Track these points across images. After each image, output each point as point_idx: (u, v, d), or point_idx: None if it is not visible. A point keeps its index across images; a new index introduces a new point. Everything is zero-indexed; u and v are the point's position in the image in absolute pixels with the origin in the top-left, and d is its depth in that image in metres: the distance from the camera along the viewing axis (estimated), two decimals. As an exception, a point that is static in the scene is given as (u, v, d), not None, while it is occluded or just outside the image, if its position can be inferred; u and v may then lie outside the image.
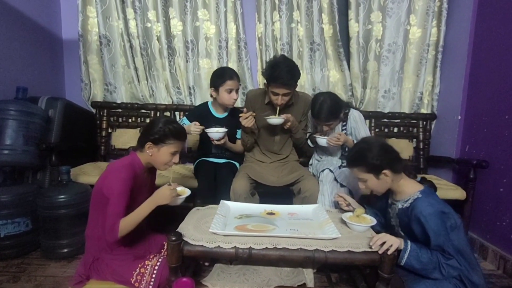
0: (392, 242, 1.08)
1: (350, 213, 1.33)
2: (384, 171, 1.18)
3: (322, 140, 1.77)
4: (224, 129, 1.76)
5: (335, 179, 1.73)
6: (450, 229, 1.11)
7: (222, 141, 1.78)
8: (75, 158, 1.98)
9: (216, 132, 1.73)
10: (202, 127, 1.74)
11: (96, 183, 1.23)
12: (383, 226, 1.40)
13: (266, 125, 1.81)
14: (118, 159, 1.31)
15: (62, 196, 1.64)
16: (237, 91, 1.84)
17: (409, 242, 1.12)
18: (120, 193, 1.14)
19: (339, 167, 1.90)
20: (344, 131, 1.88)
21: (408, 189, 1.21)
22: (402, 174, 1.23)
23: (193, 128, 1.74)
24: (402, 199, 1.22)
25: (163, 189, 1.20)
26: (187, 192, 1.36)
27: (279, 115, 1.75)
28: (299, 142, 1.97)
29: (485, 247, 1.84)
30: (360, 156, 1.22)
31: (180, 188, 1.35)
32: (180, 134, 1.28)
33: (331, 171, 1.74)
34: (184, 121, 1.90)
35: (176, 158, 1.29)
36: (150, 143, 1.23)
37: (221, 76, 1.80)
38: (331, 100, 1.72)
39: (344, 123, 1.91)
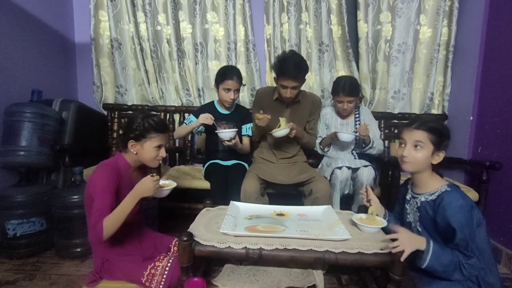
0: (405, 248, 1.05)
1: (361, 214, 1.33)
2: (442, 152, 1.19)
3: (347, 136, 1.81)
4: (234, 129, 1.78)
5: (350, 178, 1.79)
6: (475, 225, 1.10)
7: (233, 142, 1.79)
8: (87, 159, 2.02)
9: (226, 132, 1.75)
10: (211, 117, 1.79)
11: (86, 187, 1.20)
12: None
13: (278, 137, 1.80)
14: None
15: (75, 196, 1.67)
16: (236, 91, 1.89)
17: (431, 243, 1.09)
18: (102, 189, 1.11)
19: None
20: (357, 121, 1.97)
21: (435, 182, 1.21)
22: (433, 167, 1.23)
23: (203, 117, 1.79)
24: (426, 191, 1.21)
25: (145, 180, 1.14)
26: (173, 184, 1.33)
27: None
28: (307, 146, 1.99)
29: (499, 250, 1.81)
30: (440, 127, 1.20)
31: (166, 181, 1.33)
32: (160, 126, 1.24)
33: (348, 168, 1.78)
34: (191, 119, 1.95)
35: (163, 152, 1.26)
36: (132, 140, 1.21)
37: (222, 75, 1.87)
38: (353, 79, 1.96)
39: (357, 115, 1.98)
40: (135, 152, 1.23)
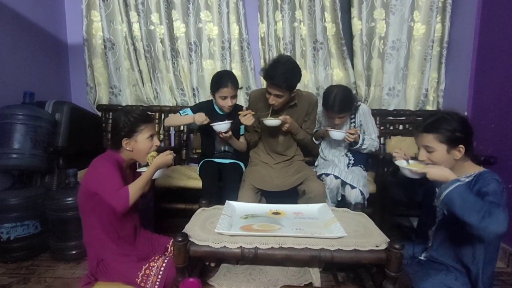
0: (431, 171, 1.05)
1: (405, 161, 1.26)
2: (460, 146, 1.11)
3: (338, 134, 1.74)
4: (229, 121, 1.75)
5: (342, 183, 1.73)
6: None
7: (228, 134, 1.77)
8: (82, 161, 1.99)
9: (221, 124, 1.73)
10: (207, 119, 1.75)
11: (80, 187, 1.22)
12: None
13: (268, 126, 1.79)
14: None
15: (70, 199, 1.66)
16: (233, 97, 1.83)
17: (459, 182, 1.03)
18: (111, 173, 1.15)
19: (347, 166, 1.90)
20: (353, 124, 1.90)
21: (472, 168, 1.16)
22: (468, 157, 1.17)
23: (198, 116, 1.75)
24: (462, 175, 1.15)
25: (164, 155, 1.25)
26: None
27: (272, 114, 1.74)
28: (303, 143, 1.95)
29: (494, 244, 1.82)
30: (441, 123, 1.13)
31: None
32: (145, 117, 1.28)
33: (336, 177, 1.72)
34: (187, 111, 1.91)
35: (156, 141, 1.29)
36: (125, 139, 1.23)
37: (216, 82, 1.80)
38: (344, 92, 1.76)
39: (353, 117, 1.91)
40: (130, 149, 1.25)
